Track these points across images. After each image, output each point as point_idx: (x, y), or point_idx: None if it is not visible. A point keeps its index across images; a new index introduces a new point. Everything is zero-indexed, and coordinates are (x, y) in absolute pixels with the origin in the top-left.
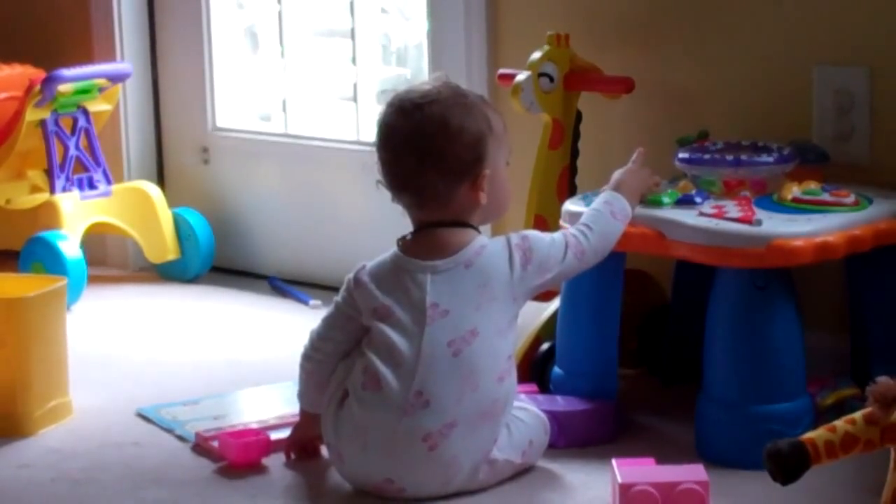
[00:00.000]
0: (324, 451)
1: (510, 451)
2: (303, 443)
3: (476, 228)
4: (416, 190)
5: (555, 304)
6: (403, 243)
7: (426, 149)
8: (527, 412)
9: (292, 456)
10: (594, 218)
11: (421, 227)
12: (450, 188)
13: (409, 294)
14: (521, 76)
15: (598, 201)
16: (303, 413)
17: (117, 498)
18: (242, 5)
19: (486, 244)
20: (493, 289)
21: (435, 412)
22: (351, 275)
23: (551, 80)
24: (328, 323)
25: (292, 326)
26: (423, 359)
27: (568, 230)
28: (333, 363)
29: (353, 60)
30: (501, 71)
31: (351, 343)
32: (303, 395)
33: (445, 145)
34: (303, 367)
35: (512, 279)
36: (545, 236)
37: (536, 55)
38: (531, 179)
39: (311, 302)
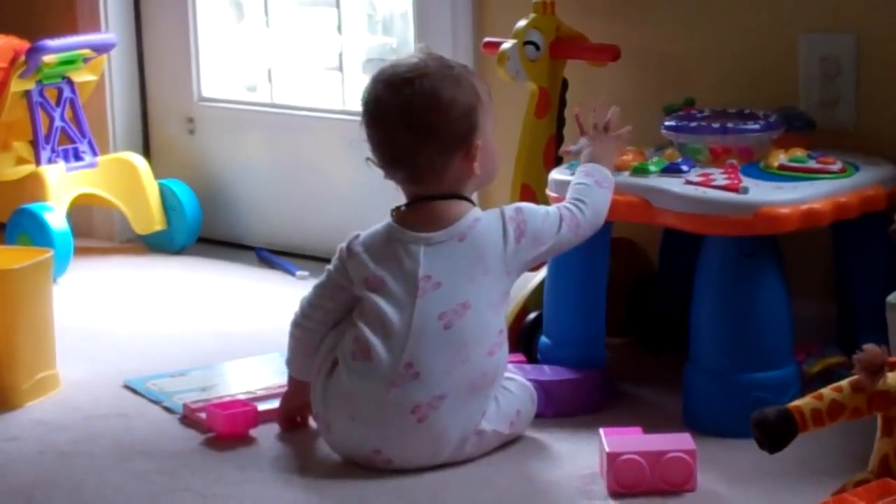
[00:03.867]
0: (312, 422)
1: (498, 422)
2: (292, 413)
3: (470, 200)
4: (411, 166)
5: (542, 273)
6: (398, 214)
7: (420, 124)
8: (514, 382)
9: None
10: (583, 191)
11: (415, 200)
12: (445, 161)
13: (401, 265)
14: (507, 44)
15: (579, 175)
16: (291, 381)
17: (105, 470)
18: None
19: (480, 217)
20: (486, 262)
21: (424, 384)
22: (344, 244)
23: (537, 48)
24: (319, 291)
25: (279, 297)
26: (413, 330)
27: (561, 204)
28: (323, 331)
29: (339, 29)
30: (487, 39)
31: (341, 312)
32: (291, 363)
33: (439, 119)
34: (292, 334)
35: (506, 252)
36: (539, 209)
37: (522, 23)
38: (518, 148)
39: (298, 273)
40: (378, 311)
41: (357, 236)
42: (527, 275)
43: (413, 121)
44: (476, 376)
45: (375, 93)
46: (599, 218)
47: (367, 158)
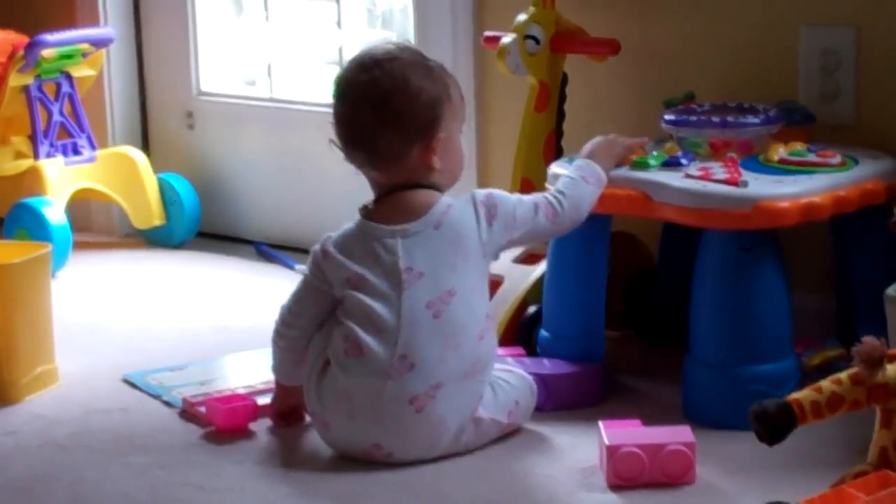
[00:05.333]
0: (307, 417)
1: (496, 411)
2: (284, 415)
3: (438, 189)
4: (369, 147)
5: (541, 267)
6: (367, 211)
7: (383, 104)
8: (512, 374)
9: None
10: (568, 184)
11: (382, 192)
12: (404, 148)
13: (380, 260)
14: (507, 38)
15: (570, 169)
16: (279, 386)
17: (104, 464)
18: None
19: (451, 203)
20: (465, 247)
21: (420, 374)
22: (317, 247)
23: (537, 42)
24: (298, 298)
25: (278, 292)
26: (404, 323)
27: (541, 194)
28: (308, 337)
29: (339, 24)
30: (487, 33)
31: (323, 315)
32: (278, 370)
33: (403, 103)
34: (276, 343)
35: (480, 236)
36: (511, 196)
37: (522, 17)
38: (517, 142)
39: (297, 267)
40: (365, 308)
41: (328, 237)
42: (526, 268)
43: (376, 100)
44: (469, 362)
45: (346, 71)
46: (580, 212)
47: (330, 140)
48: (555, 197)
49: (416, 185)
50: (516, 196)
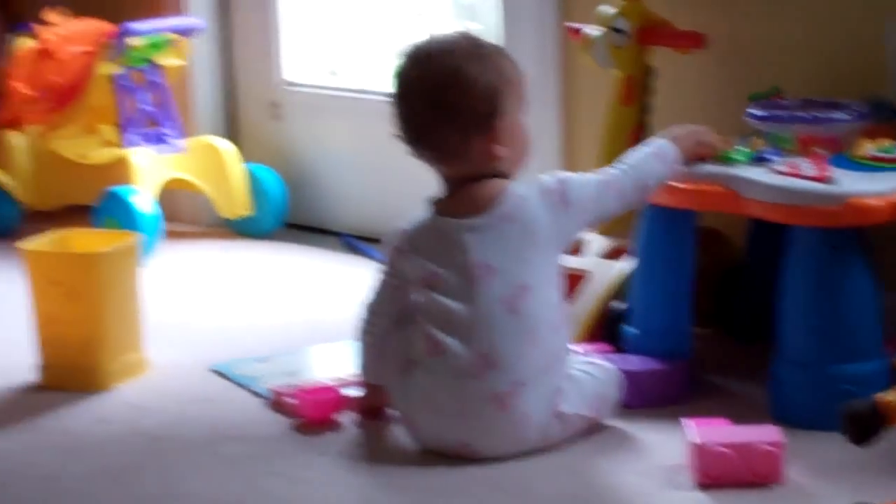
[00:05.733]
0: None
1: (580, 405)
2: (371, 410)
3: (506, 176)
4: (432, 143)
5: (626, 263)
6: (437, 204)
7: (440, 101)
8: (597, 367)
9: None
10: (635, 157)
11: (450, 184)
12: (465, 141)
13: (452, 256)
14: (594, 31)
15: (642, 145)
16: (367, 385)
17: (195, 453)
18: None
19: (521, 193)
20: (535, 238)
21: (502, 372)
22: (390, 244)
23: (624, 35)
24: (379, 296)
25: (364, 283)
26: (480, 320)
27: (606, 169)
28: (391, 333)
29: (423, 14)
30: (571, 25)
31: (404, 311)
32: (366, 368)
33: (458, 96)
34: (363, 340)
35: (552, 225)
36: (579, 176)
37: (609, 10)
38: (602, 135)
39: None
40: (441, 307)
41: (402, 233)
42: (611, 263)
43: (432, 97)
44: (548, 356)
45: (402, 69)
46: (646, 184)
47: (394, 134)
48: (621, 171)
49: (484, 174)
50: (584, 176)
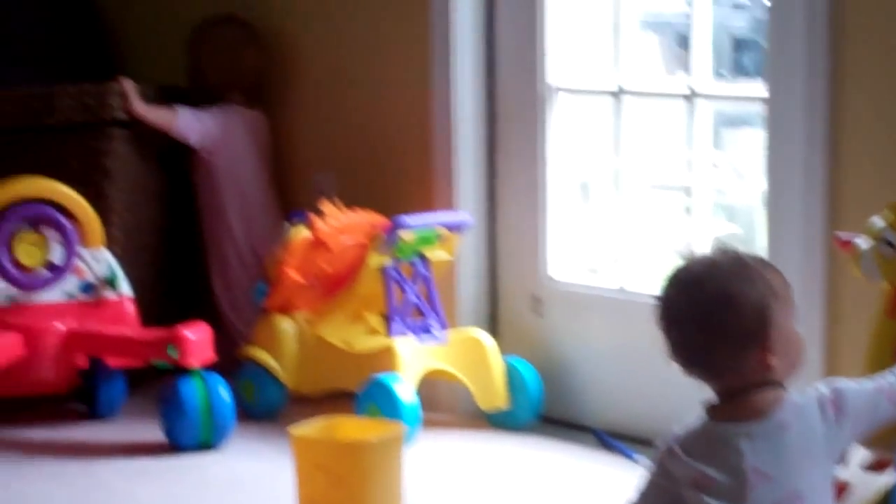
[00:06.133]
0: None
1: None
2: None
3: (781, 385)
4: (707, 366)
5: (890, 476)
6: (712, 409)
7: (710, 325)
8: None
9: None
10: None
11: (724, 394)
12: (740, 358)
13: (726, 461)
14: (863, 242)
15: None
16: None
17: None
18: (579, 158)
19: (796, 402)
20: (810, 448)
21: None
22: (662, 446)
23: (893, 247)
24: (642, 495)
25: (617, 481)
26: None
27: (883, 375)
28: None
29: (688, 212)
30: (838, 234)
31: None
32: None
33: (731, 319)
34: None
35: (828, 436)
36: (854, 384)
37: (879, 222)
38: (867, 347)
39: (636, 457)
40: None
41: (674, 436)
42: (875, 476)
43: (704, 323)
44: None
45: (668, 294)
46: None
47: (668, 357)
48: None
49: (758, 383)
50: (859, 385)
